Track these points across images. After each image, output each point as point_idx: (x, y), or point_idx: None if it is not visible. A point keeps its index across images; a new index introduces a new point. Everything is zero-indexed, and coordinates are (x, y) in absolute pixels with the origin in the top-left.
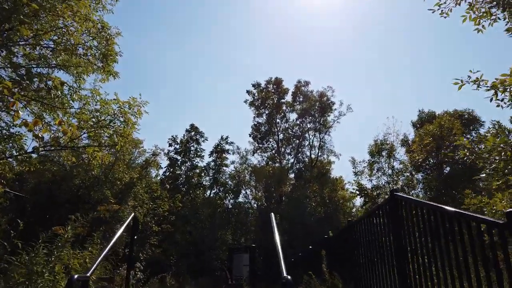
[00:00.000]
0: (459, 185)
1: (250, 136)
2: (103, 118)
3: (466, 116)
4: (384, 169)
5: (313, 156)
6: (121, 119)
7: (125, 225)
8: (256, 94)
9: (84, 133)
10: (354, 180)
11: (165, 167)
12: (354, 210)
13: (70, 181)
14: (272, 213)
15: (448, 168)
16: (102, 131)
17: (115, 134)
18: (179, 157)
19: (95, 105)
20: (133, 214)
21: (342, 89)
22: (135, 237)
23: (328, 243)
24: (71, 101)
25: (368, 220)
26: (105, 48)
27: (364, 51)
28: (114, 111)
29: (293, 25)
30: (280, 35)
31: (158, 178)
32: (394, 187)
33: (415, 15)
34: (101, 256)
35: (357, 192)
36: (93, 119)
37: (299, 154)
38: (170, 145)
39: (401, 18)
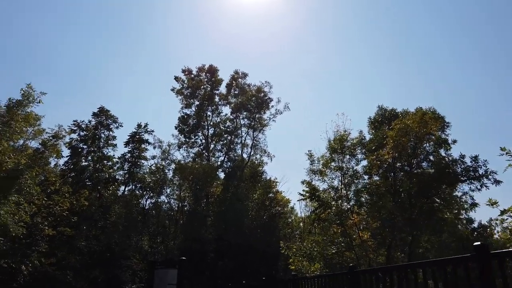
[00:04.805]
0: (432, 191)
1: (176, 128)
2: None
3: (430, 115)
4: (345, 169)
5: (245, 155)
6: None
7: None
8: (186, 82)
9: None
10: (305, 181)
11: (67, 156)
12: (293, 217)
13: None
14: None
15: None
16: None
17: None
18: (84, 146)
19: None
20: None
21: (280, 89)
22: None
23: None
24: None
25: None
26: None
27: (306, 53)
28: None
29: (230, 14)
30: (218, 22)
31: (58, 169)
32: (351, 190)
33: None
34: None
35: (307, 194)
36: None
37: (231, 152)
38: (73, 131)
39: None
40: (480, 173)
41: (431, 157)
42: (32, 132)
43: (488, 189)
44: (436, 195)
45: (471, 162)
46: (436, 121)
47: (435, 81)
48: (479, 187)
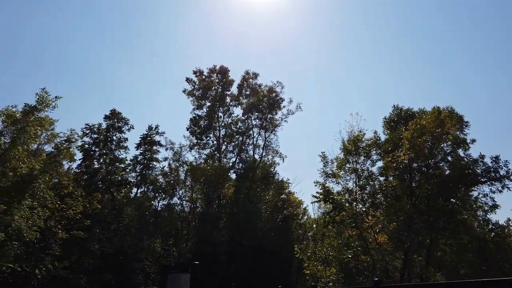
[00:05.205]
0: (450, 192)
1: (187, 130)
2: None
3: (447, 113)
4: (360, 171)
5: (257, 156)
6: None
7: None
8: (197, 83)
9: None
10: (318, 182)
11: (79, 159)
12: (305, 217)
13: None
14: None
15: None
16: None
17: None
18: (97, 149)
19: None
20: None
21: (287, 89)
22: None
23: None
24: None
25: None
26: None
27: (314, 54)
28: None
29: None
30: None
31: (71, 172)
32: (366, 192)
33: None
34: None
35: (321, 196)
36: None
37: (242, 153)
38: (85, 135)
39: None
40: (501, 174)
41: (449, 158)
42: (46, 137)
43: (510, 190)
44: (454, 196)
45: (491, 162)
46: (452, 120)
47: (453, 80)
48: (500, 188)
